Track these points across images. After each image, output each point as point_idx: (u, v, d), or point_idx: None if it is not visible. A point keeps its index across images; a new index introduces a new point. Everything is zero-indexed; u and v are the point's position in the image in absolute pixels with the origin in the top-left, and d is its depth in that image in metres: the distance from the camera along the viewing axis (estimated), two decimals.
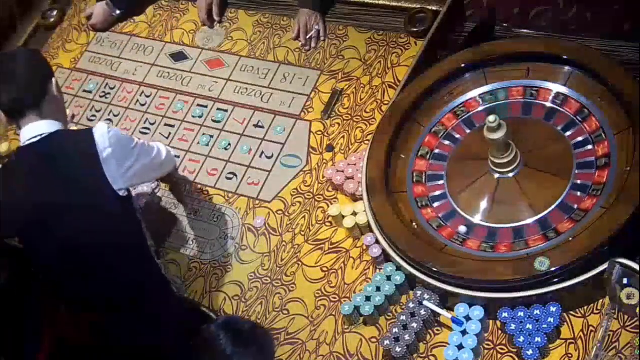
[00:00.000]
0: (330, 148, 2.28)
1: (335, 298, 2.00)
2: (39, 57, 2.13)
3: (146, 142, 2.10)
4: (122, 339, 2.04)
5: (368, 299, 1.90)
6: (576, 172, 1.90)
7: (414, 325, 1.82)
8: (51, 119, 1.98)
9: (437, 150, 2.10)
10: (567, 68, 2.05)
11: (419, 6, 2.44)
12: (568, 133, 1.98)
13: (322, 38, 2.54)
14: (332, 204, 2.15)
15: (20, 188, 1.95)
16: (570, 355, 1.71)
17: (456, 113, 2.14)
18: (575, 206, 1.85)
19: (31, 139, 1.96)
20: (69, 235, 1.95)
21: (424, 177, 2.07)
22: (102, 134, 1.93)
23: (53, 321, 2.26)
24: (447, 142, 2.11)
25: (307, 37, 2.53)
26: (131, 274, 2.00)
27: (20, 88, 1.96)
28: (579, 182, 1.89)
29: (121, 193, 1.94)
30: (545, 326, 1.71)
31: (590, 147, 1.93)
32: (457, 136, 2.11)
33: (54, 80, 2.03)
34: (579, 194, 1.87)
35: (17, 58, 2.04)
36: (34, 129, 1.96)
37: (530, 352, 1.69)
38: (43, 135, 1.95)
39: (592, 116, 1.96)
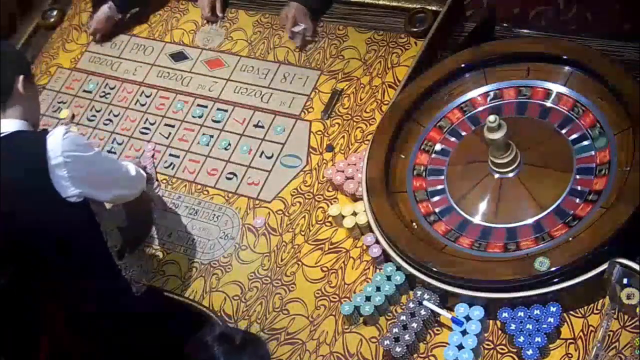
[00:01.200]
0: (330, 148, 2.28)
1: (335, 298, 2.00)
2: (9, 51, 2.06)
3: (117, 158, 2.08)
4: (94, 340, 2.06)
5: (368, 299, 1.90)
6: (577, 177, 1.90)
7: (414, 325, 1.82)
8: (17, 117, 1.94)
9: (439, 146, 2.10)
10: (567, 68, 2.05)
11: (419, 6, 2.44)
12: (564, 130, 1.98)
13: (307, 37, 2.51)
14: (332, 204, 2.15)
15: None
16: (570, 355, 1.71)
17: (463, 110, 2.14)
18: (571, 212, 1.85)
19: None
20: (17, 240, 1.94)
21: (424, 172, 2.07)
22: (55, 138, 1.87)
23: (53, 322, 2.26)
24: (452, 139, 2.11)
25: (294, 31, 2.51)
26: (84, 276, 2.00)
27: None
28: (578, 187, 1.88)
29: (72, 200, 1.89)
30: (545, 326, 1.71)
31: (592, 152, 1.93)
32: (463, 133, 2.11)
33: (21, 78, 1.98)
34: (577, 200, 1.86)
35: None
36: None
37: (530, 352, 1.69)
38: (2, 134, 1.91)
39: (590, 113, 1.96)
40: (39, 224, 1.92)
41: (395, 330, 1.83)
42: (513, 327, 1.73)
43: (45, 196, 1.88)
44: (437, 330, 1.86)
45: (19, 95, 1.96)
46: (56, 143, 1.86)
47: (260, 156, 2.35)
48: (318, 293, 2.02)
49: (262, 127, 2.42)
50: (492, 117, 1.84)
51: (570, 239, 1.77)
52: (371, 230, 2.00)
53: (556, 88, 2.05)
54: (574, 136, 1.97)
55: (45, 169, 1.85)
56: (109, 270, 2.04)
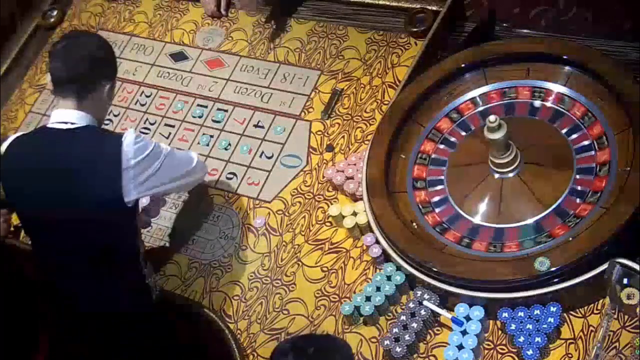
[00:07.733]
0: (330, 148, 2.28)
1: (335, 298, 2.00)
2: (106, 55, 2.05)
3: (180, 151, 2.10)
4: (107, 343, 2.05)
5: (368, 299, 1.90)
6: (577, 177, 1.90)
7: (414, 325, 1.82)
8: (88, 113, 1.95)
9: (434, 155, 2.10)
10: (567, 68, 2.05)
11: (419, 6, 2.44)
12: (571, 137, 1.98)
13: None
14: (332, 204, 2.15)
15: (26, 162, 1.94)
16: (570, 355, 1.71)
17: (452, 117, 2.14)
18: (572, 212, 1.85)
19: (59, 122, 1.93)
20: (57, 229, 1.95)
21: (425, 183, 2.06)
22: (129, 142, 1.89)
23: (51, 321, 2.26)
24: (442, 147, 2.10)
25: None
26: (116, 280, 2.00)
27: (76, 69, 1.93)
28: (578, 187, 1.88)
29: (129, 205, 1.91)
30: (545, 326, 1.71)
31: (592, 152, 1.93)
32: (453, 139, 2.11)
33: (108, 85, 1.99)
34: (577, 200, 1.86)
35: (93, 43, 2.03)
36: (66, 114, 1.94)
37: (530, 352, 1.69)
38: (75, 125, 1.92)
39: (597, 121, 1.95)
40: (90, 220, 1.91)
41: (395, 330, 1.83)
42: (513, 327, 1.73)
43: (111, 195, 1.88)
44: (437, 330, 1.86)
45: (98, 97, 1.98)
46: (130, 147, 1.89)
47: (260, 156, 2.35)
48: (318, 293, 2.02)
49: (262, 127, 2.42)
50: (492, 117, 1.84)
51: (570, 239, 1.77)
52: (371, 230, 2.00)
53: (556, 88, 2.05)
54: (574, 136, 1.97)
55: (118, 173, 1.87)
56: (138, 273, 2.03)
